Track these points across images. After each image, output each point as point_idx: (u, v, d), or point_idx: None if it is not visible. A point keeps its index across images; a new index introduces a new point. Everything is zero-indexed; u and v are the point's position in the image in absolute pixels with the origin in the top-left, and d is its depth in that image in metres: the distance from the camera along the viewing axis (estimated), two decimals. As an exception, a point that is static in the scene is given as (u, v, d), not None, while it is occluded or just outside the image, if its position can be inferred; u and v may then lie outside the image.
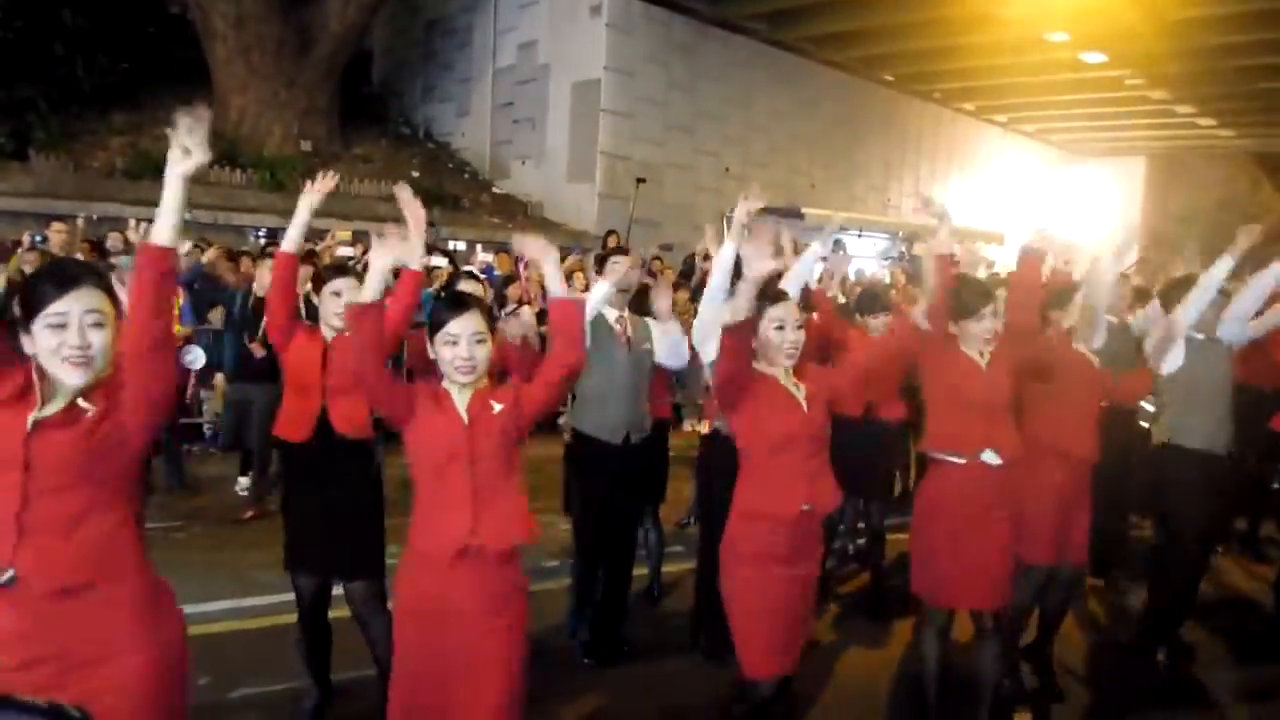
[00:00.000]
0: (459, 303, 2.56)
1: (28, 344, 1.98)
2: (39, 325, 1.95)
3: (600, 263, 4.37)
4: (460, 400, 2.55)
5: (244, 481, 6.63)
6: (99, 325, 1.98)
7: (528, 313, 8.74)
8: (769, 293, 2.99)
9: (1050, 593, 4.07)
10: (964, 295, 3.42)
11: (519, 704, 2.56)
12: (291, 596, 3.66)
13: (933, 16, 14.24)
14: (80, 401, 2.02)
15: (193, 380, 7.41)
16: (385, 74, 19.55)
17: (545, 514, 4.40)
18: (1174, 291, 4.42)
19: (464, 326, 2.50)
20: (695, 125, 16.16)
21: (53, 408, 1.99)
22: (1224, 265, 4.17)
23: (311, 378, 3.40)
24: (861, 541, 5.74)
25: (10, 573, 1.95)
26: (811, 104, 17.93)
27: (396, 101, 19.04)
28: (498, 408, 2.55)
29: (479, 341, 2.52)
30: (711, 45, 16.12)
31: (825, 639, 4.67)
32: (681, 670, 4.22)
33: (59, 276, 1.99)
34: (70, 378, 1.97)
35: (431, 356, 2.58)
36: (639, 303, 5.03)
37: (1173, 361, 4.30)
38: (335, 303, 3.44)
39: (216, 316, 7.53)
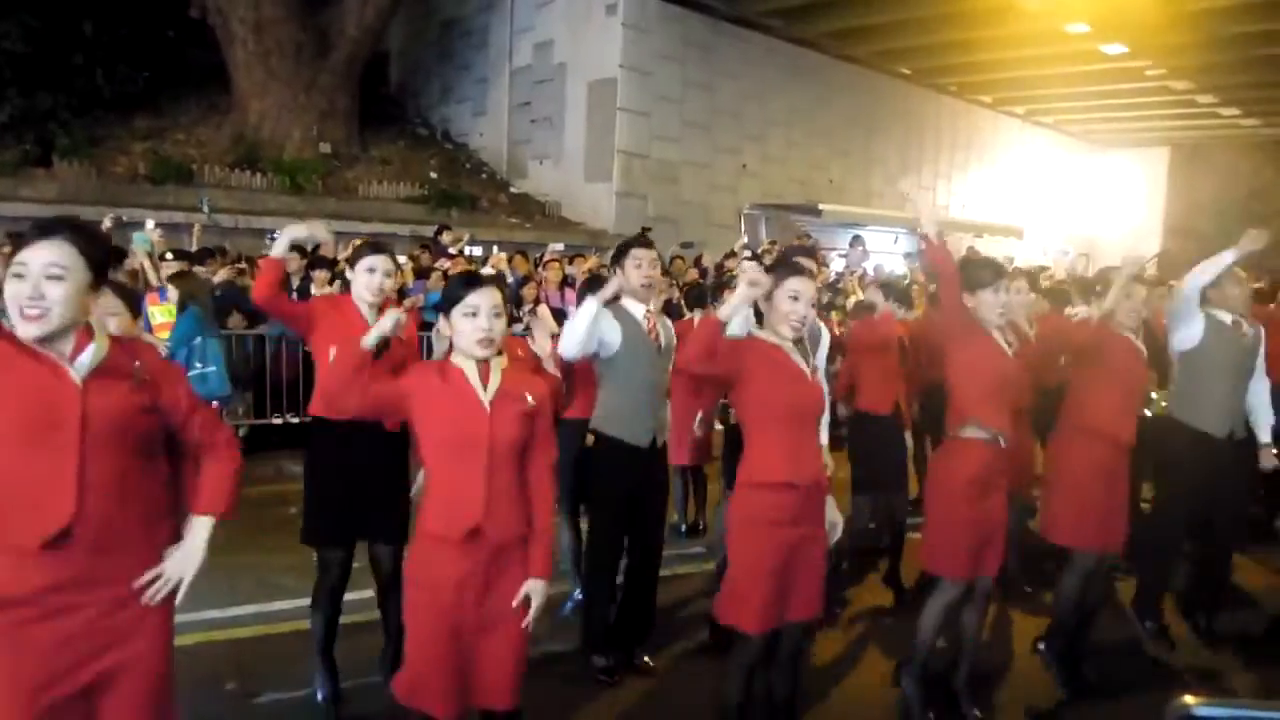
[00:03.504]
0: (476, 279, 2.64)
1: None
2: (8, 275, 1.97)
3: (619, 255, 4.15)
4: (476, 378, 2.57)
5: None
6: (57, 279, 1.97)
7: (545, 310, 8.77)
8: (795, 266, 3.08)
9: (1092, 584, 4.10)
10: (973, 270, 3.56)
11: (523, 667, 2.66)
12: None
13: (950, 10, 14.13)
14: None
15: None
16: (402, 75, 19.63)
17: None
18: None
19: (483, 299, 2.55)
20: (712, 123, 16.12)
21: (91, 359, 2.02)
22: (1229, 256, 4.19)
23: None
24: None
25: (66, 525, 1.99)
26: (828, 99, 17.84)
27: (414, 102, 19.12)
28: (531, 402, 2.60)
29: (497, 315, 2.56)
30: (728, 42, 16.07)
31: (841, 638, 4.66)
32: (692, 675, 4.20)
33: (35, 229, 2.01)
34: (22, 329, 1.97)
35: (446, 333, 2.63)
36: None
37: (1189, 338, 4.35)
38: (369, 279, 3.47)
39: (237, 322, 7.58)
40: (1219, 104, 19.40)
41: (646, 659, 4.26)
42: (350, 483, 3.46)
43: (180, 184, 12.81)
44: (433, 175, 15.94)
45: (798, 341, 3.08)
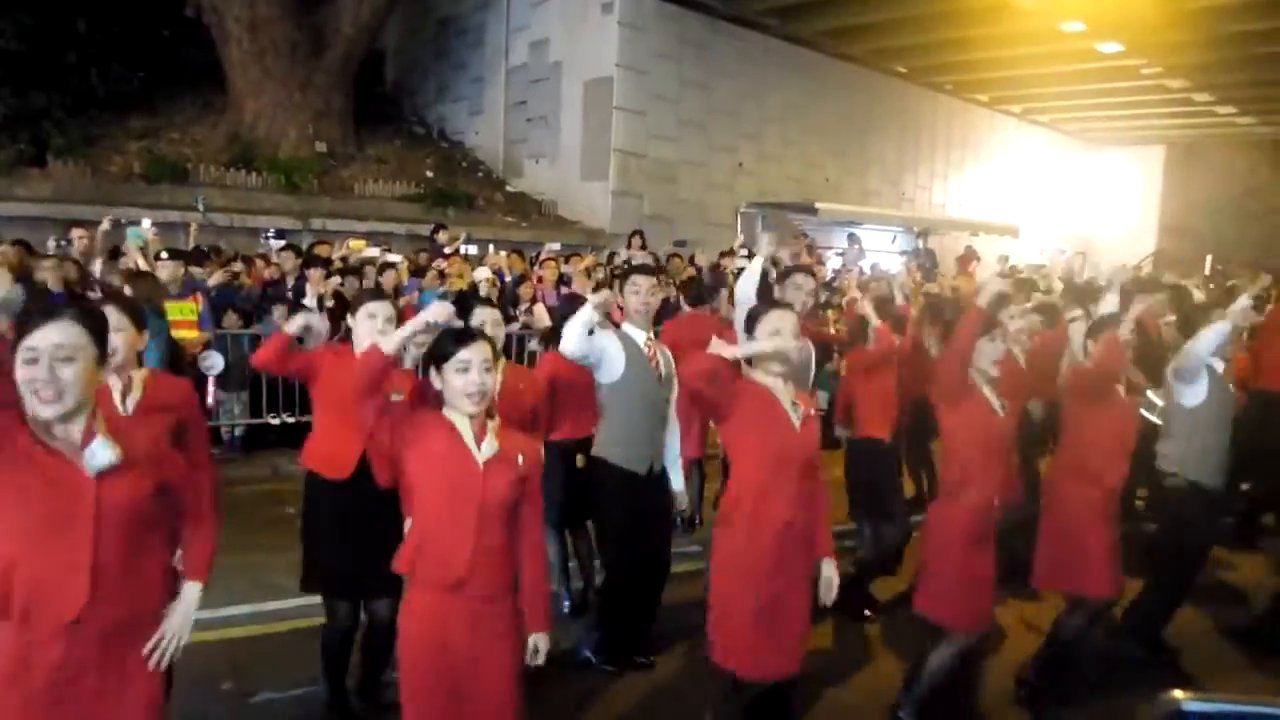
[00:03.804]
0: (468, 334, 2.64)
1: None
2: (17, 360, 2.02)
3: (623, 279, 4.26)
4: (470, 436, 2.58)
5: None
6: (68, 360, 2.02)
7: (540, 309, 8.81)
8: (770, 302, 3.08)
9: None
10: None
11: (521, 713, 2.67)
12: (313, 601, 3.68)
13: (946, 9, 14.13)
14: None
15: (212, 385, 7.44)
16: (398, 74, 19.60)
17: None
18: (1194, 321, 4.43)
19: (475, 353, 2.56)
20: (708, 121, 16.11)
21: (106, 458, 2.07)
22: (1243, 306, 4.17)
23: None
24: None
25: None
26: (824, 98, 17.84)
27: (410, 101, 19.09)
28: (520, 461, 2.62)
29: (488, 370, 2.58)
30: (724, 40, 16.06)
31: (836, 637, 4.66)
32: (690, 673, 4.20)
33: (38, 311, 2.06)
34: (40, 411, 2.03)
35: (437, 386, 2.63)
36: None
37: (1195, 394, 4.28)
38: (370, 325, 3.40)
39: (233, 321, 7.57)
40: (1215, 102, 19.43)
41: (643, 661, 4.31)
42: (347, 542, 3.44)
43: (175, 183, 12.77)
44: (429, 174, 15.92)
45: (787, 381, 3.05)
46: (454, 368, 2.56)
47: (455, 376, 2.56)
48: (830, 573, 3.14)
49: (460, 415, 2.60)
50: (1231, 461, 4.56)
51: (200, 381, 7.18)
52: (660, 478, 4.16)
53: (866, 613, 4.98)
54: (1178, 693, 1.59)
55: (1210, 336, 4.15)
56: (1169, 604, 4.54)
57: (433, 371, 2.63)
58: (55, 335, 2.01)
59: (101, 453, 2.08)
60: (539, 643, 2.70)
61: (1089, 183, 25.30)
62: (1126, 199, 24.77)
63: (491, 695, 2.59)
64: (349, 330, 3.54)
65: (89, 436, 2.09)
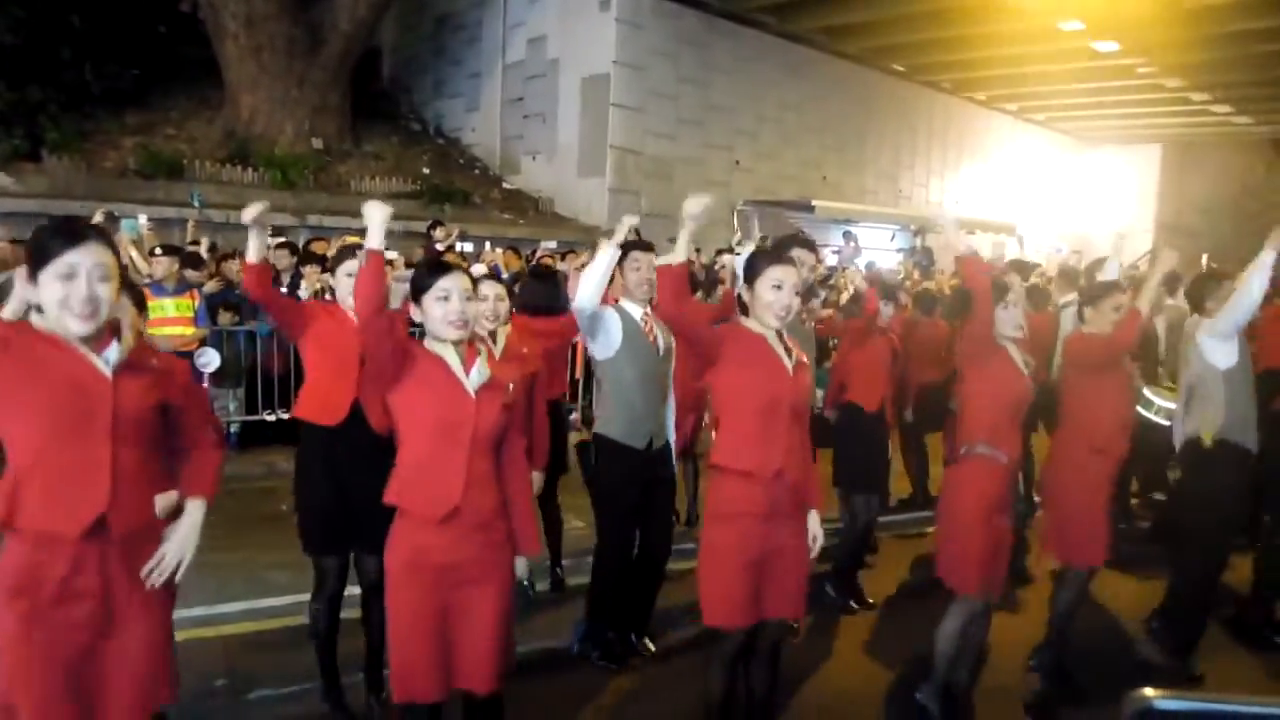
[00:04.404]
0: (444, 265, 2.66)
1: (32, 293, 2.07)
2: (47, 275, 2.04)
3: (622, 256, 4.23)
4: (458, 365, 2.59)
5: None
6: (106, 279, 2.08)
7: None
8: (775, 254, 3.05)
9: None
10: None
11: (510, 649, 2.70)
12: (307, 597, 3.66)
13: (944, 7, 14.14)
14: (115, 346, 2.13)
15: (207, 382, 7.41)
16: (395, 71, 19.56)
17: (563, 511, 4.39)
18: (1202, 289, 4.36)
19: (454, 283, 2.59)
20: (705, 118, 16.10)
21: (118, 354, 2.12)
22: (1269, 259, 3.94)
23: (349, 357, 3.30)
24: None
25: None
26: (822, 95, 17.84)
27: (406, 98, 19.05)
28: (510, 388, 2.65)
29: (468, 298, 2.61)
30: (721, 38, 16.05)
31: (829, 633, 4.66)
32: (685, 670, 4.19)
33: (68, 231, 2.09)
34: (77, 327, 2.06)
35: (417, 319, 2.65)
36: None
37: (1229, 356, 4.18)
38: (349, 283, 3.32)
39: (227, 318, 7.55)
40: (1211, 101, 19.45)
41: (646, 641, 4.30)
42: (338, 490, 3.42)
43: (171, 179, 12.74)
44: (425, 171, 15.89)
45: (780, 333, 3.00)
46: (434, 297, 2.58)
47: (435, 306, 2.58)
48: (815, 526, 3.06)
49: (445, 345, 2.61)
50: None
51: (195, 378, 7.15)
52: (663, 451, 4.11)
53: (853, 604, 4.98)
54: (1149, 690, 1.55)
55: (1257, 279, 3.95)
56: (1207, 588, 4.38)
57: (414, 307, 2.64)
58: (96, 255, 2.06)
59: (116, 350, 2.12)
60: (519, 564, 2.76)
61: (1086, 181, 25.33)
62: (1123, 197, 24.80)
63: (485, 619, 2.59)
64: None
65: (104, 343, 2.12)
